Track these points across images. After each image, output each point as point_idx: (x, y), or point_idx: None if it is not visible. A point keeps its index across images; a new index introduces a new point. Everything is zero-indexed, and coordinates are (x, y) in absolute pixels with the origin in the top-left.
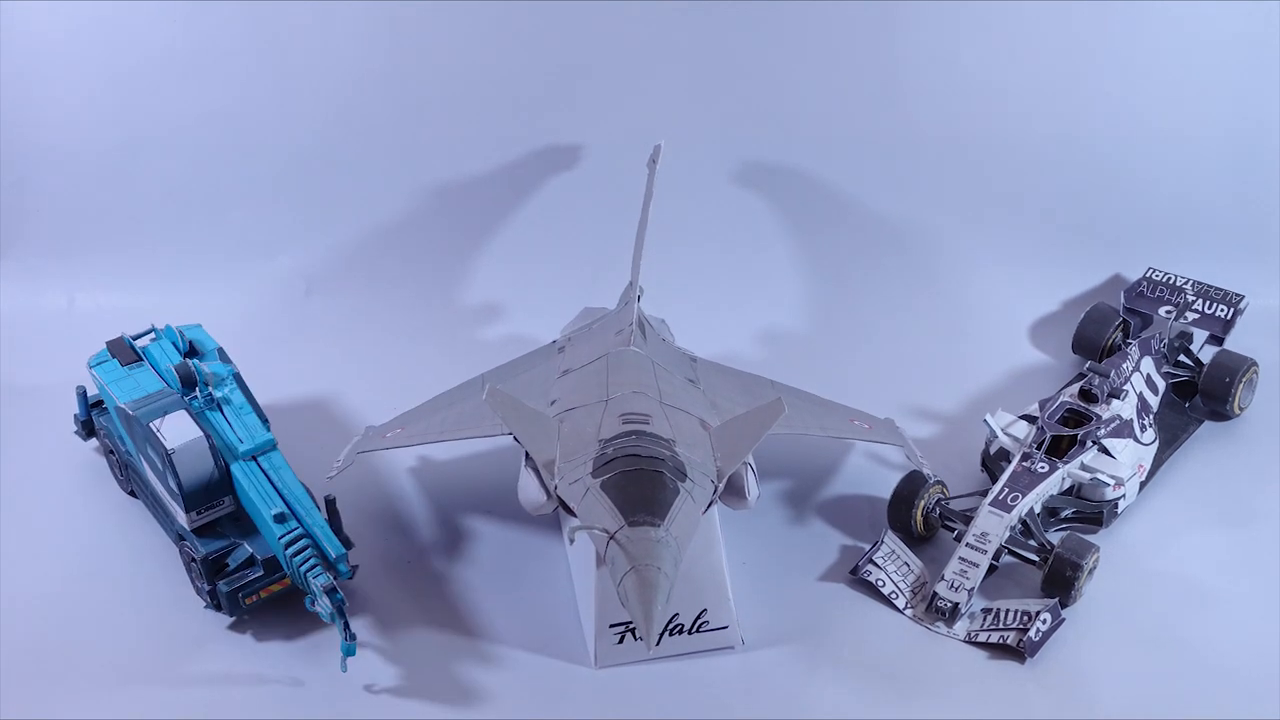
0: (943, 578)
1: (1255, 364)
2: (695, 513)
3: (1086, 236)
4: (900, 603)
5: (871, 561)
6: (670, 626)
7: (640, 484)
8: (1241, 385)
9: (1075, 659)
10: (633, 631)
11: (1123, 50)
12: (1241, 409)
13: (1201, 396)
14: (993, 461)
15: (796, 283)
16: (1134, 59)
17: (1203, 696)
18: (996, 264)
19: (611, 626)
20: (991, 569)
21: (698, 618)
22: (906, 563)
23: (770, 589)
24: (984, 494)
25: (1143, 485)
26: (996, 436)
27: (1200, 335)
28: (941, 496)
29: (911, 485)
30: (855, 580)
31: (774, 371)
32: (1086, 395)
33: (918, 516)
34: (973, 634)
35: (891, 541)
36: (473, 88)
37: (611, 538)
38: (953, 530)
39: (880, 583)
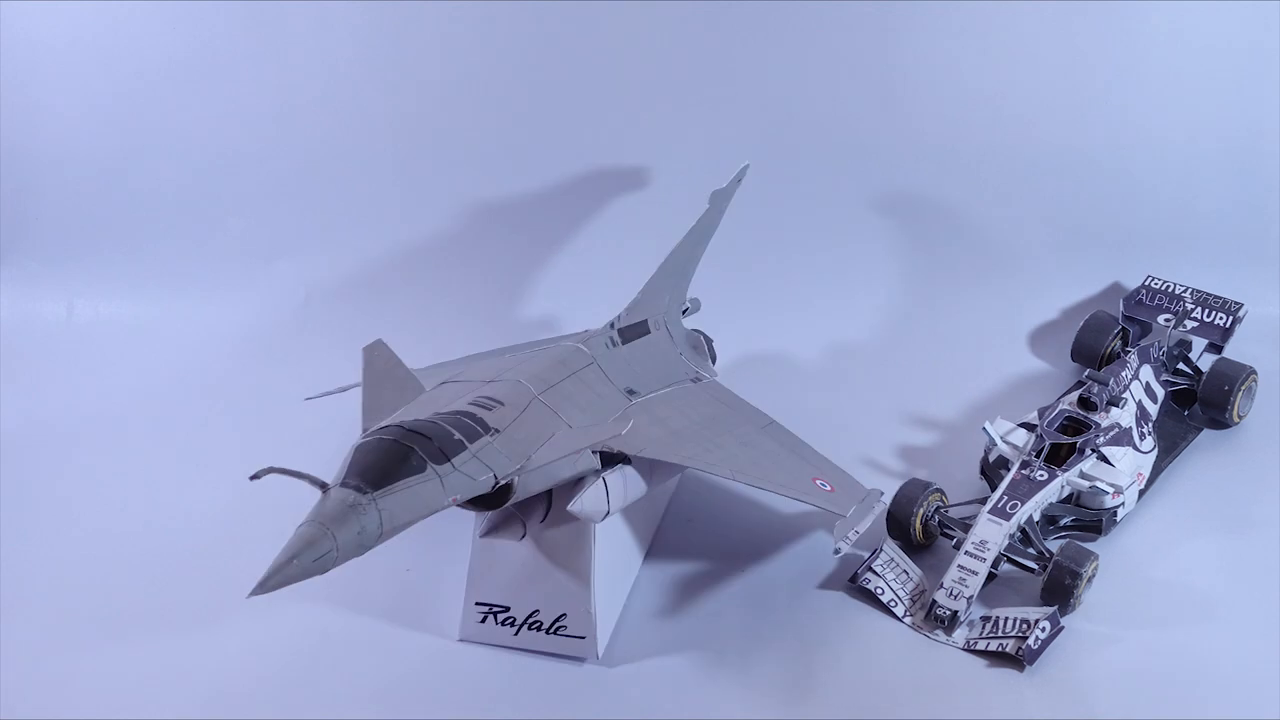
0: (941, 585)
1: (1254, 372)
2: (436, 497)
3: (1085, 244)
4: (899, 611)
5: (870, 569)
6: (530, 620)
7: (378, 452)
8: (1240, 393)
9: (1074, 667)
10: (495, 614)
11: (1121, 57)
12: (1240, 417)
13: (1200, 404)
14: (992, 469)
15: (795, 291)
16: (1133, 66)
17: (1202, 704)
18: (995, 272)
19: (477, 604)
20: (990, 577)
21: (556, 620)
22: (905, 570)
23: (768, 596)
24: (983, 502)
25: (1142, 493)
26: (995, 444)
27: (1199, 343)
28: (940, 504)
29: (910, 493)
30: (854, 588)
31: (773, 377)
32: (1085, 403)
33: (916, 524)
34: (972, 642)
35: (890, 549)
36: (476, 92)
37: (324, 493)
38: (952, 538)
39: (879, 591)
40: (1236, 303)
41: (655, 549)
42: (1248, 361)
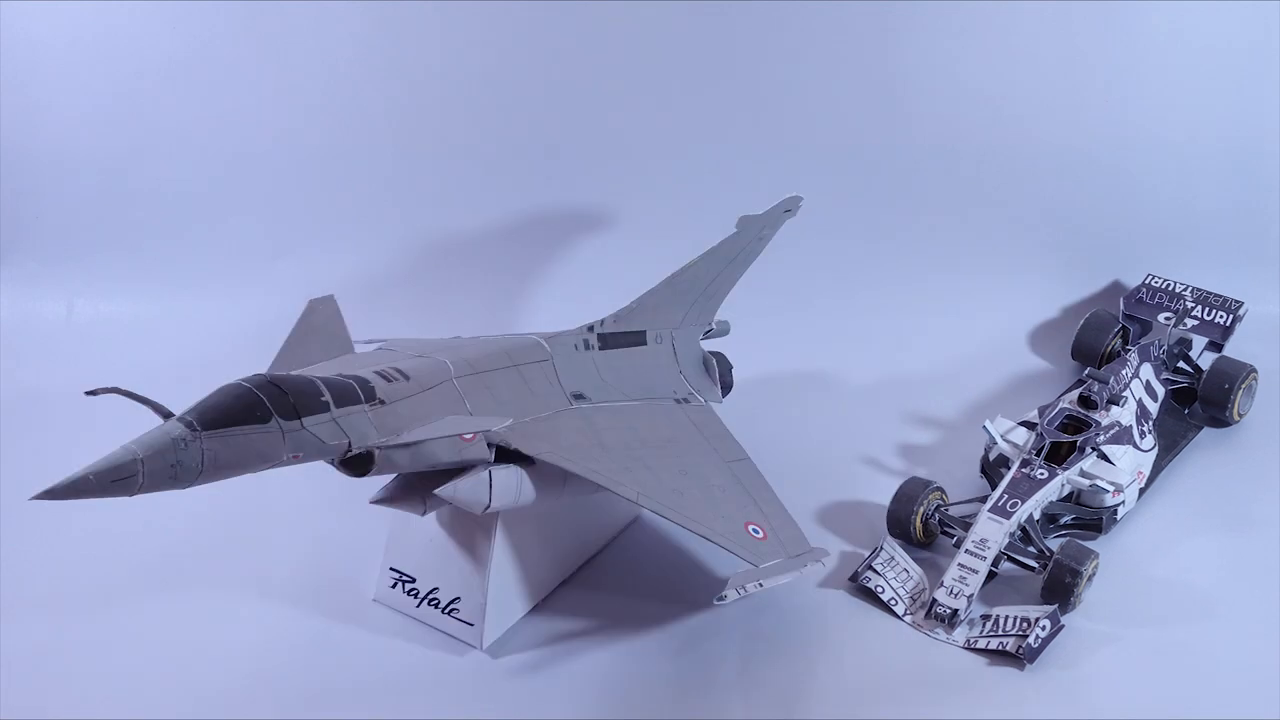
0: (942, 584)
1: (1254, 370)
2: (274, 450)
3: (1086, 243)
4: (900, 609)
5: (871, 568)
6: (430, 596)
7: (228, 395)
8: (1240, 391)
9: (1074, 665)
10: (404, 582)
11: (1121, 58)
12: (1240, 415)
13: (1201, 403)
14: (992, 468)
15: (796, 290)
16: (1133, 66)
17: (1202, 703)
18: (996, 271)
19: (391, 569)
20: (991, 575)
21: (452, 602)
22: (906, 569)
23: (769, 595)
24: (983, 500)
25: (1142, 491)
26: (996, 443)
27: (1199, 341)
28: (941, 503)
29: (911, 491)
30: (855, 587)
31: (771, 377)
32: (1086, 402)
33: (917, 523)
34: (972, 640)
35: (891, 548)
36: (478, 91)
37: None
38: (952, 536)
39: (880, 589)
40: (1237, 301)
41: (654, 543)
42: (1248, 360)
